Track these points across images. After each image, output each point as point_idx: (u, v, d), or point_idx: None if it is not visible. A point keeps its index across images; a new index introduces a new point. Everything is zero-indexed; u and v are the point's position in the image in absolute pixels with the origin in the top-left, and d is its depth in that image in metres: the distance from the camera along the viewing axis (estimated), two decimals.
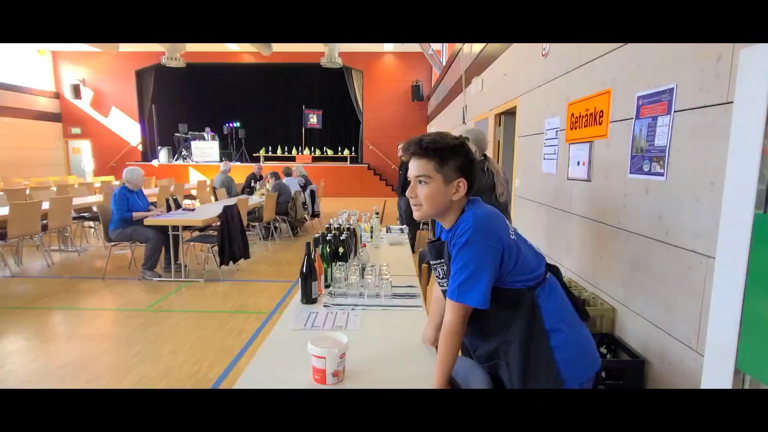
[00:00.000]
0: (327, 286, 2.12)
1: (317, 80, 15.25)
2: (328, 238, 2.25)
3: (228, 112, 15.36)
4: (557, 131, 3.14)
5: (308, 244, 1.93)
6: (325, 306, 1.89)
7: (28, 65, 13.40)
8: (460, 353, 1.33)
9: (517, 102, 4.22)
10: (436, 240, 1.36)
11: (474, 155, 1.28)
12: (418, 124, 14.70)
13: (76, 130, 14.59)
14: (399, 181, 6.19)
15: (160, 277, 4.80)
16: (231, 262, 4.91)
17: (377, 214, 3.37)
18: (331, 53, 10.62)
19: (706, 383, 0.59)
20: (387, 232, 3.64)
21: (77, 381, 2.67)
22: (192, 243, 5.26)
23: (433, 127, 13.17)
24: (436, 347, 1.48)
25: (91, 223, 6.93)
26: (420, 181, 1.23)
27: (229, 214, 4.82)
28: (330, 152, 15.22)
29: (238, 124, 15.08)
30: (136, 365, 2.87)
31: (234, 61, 14.27)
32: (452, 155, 1.21)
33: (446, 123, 10.02)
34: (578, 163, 2.74)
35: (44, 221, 5.32)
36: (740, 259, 0.52)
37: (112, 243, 4.83)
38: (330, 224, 2.59)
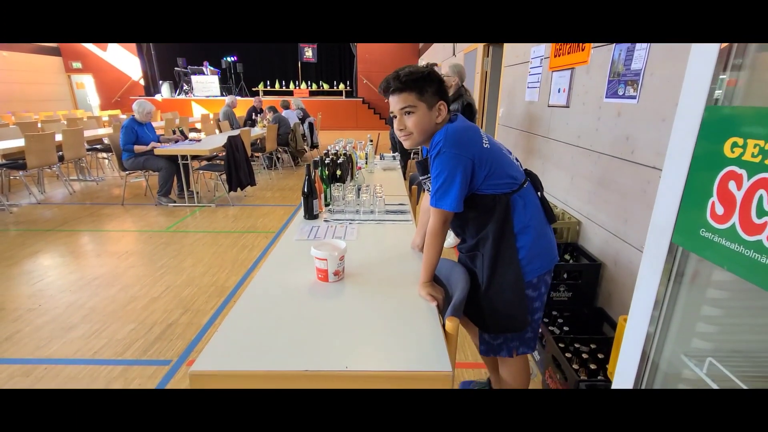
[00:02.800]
0: (327, 205, 2.16)
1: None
2: (326, 161, 2.25)
3: (226, 46, 14.34)
4: (542, 59, 3.01)
5: (308, 166, 1.94)
6: (325, 221, 1.95)
7: None
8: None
9: None
10: (422, 160, 1.38)
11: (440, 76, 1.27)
12: (409, 57, 13.91)
13: (76, 65, 13.65)
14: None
15: (174, 202, 4.82)
16: (238, 189, 4.92)
17: (371, 141, 3.32)
18: None
19: (645, 257, 0.65)
20: (381, 159, 3.63)
21: (111, 289, 2.80)
22: (201, 171, 5.22)
23: (423, 61, 12.48)
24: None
25: (105, 155, 6.78)
26: (406, 113, 1.23)
27: (233, 143, 4.72)
28: (326, 86, 14.53)
29: (236, 59, 14.17)
30: (162, 276, 3.00)
31: None
32: (429, 82, 1.22)
33: (436, 56, 9.49)
34: (559, 90, 2.67)
35: (59, 153, 5.20)
36: (688, 145, 0.54)
37: (127, 172, 4.77)
38: (328, 150, 2.57)
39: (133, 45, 13.52)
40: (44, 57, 12.88)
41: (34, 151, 4.68)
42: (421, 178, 1.42)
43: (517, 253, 1.26)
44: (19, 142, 4.91)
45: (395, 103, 1.24)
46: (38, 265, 3.23)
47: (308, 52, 14.23)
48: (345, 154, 2.56)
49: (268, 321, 1.11)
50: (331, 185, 2.18)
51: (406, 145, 1.31)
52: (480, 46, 5.06)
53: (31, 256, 3.39)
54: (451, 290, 1.28)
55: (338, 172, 2.32)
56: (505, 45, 4.01)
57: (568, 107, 2.56)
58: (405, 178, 2.98)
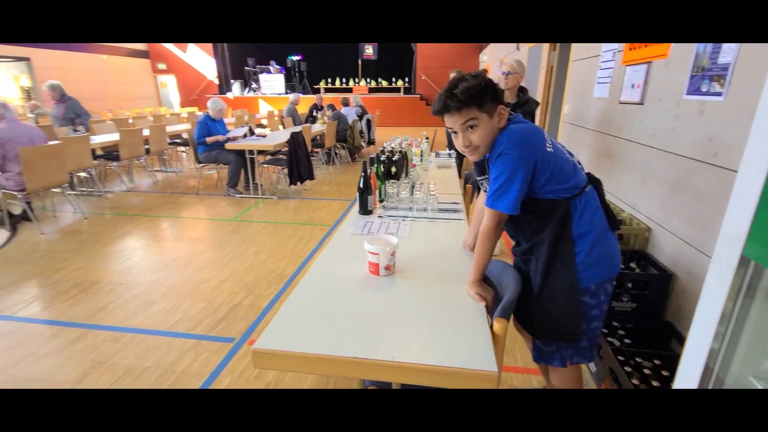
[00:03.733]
0: (381, 201, 2.22)
1: None
2: (381, 158, 2.31)
3: (291, 45, 15.05)
4: (615, 53, 2.82)
5: (364, 162, 2.00)
6: (379, 217, 2.01)
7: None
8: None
9: None
10: (481, 159, 1.37)
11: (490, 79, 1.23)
12: (469, 53, 13.60)
13: (161, 66, 15.09)
14: None
15: (241, 194, 5.20)
16: (299, 183, 5.18)
17: (427, 139, 3.33)
18: None
19: (712, 268, 0.61)
20: (436, 156, 3.62)
21: (186, 271, 3.11)
22: (266, 165, 5.56)
23: (485, 55, 12.14)
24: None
25: (183, 148, 7.46)
26: (469, 127, 1.20)
27: (295, 139, 4.97)
28: (384, 83, 14.68)
29: (300, 57, 14.81)
30: (229, 262, 3.27)
31: None
32: (485, 92, 1.18)
33: (499, 50, 9.19)
34: (633, 86, 2.48)
35: (146, 146, 5.83)
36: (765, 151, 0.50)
37: (201, 165, 5.23)
38: (384, 147, 2.63)
39: (210, 47, 14.64)
40: (135, 59, 14.40)
41: (126, 144, 5.29)
42: (478, 178, 1.42)
43: (574, 258, 1.22)
44: (114, 137, 5.57)
45: (455, 120, 1.20)
46: (127, 245, 3.67)
47: (368, 50, 14.45)
48: (400, 152, 2.60)
49: (322, 309, 1.19)
50: (386, 182, 2.23)
51: (473, 158, 1.29)
52: None
53: (122, 237, 3.85)
54: (502, 292, 1.27)
55: (393, 169, 2.36)
56: None
57: (642, 104, 2.37)
58: (460, 176, 2.96)
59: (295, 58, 14.81)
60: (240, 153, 5.01)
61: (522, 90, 2.94)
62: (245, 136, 5.37)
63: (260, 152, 5.18)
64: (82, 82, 12.21)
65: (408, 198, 2.12)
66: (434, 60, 13.84)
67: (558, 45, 4.50)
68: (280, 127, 7.73)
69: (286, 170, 5.02)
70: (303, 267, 3.15)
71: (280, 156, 5.49)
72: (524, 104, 2.88)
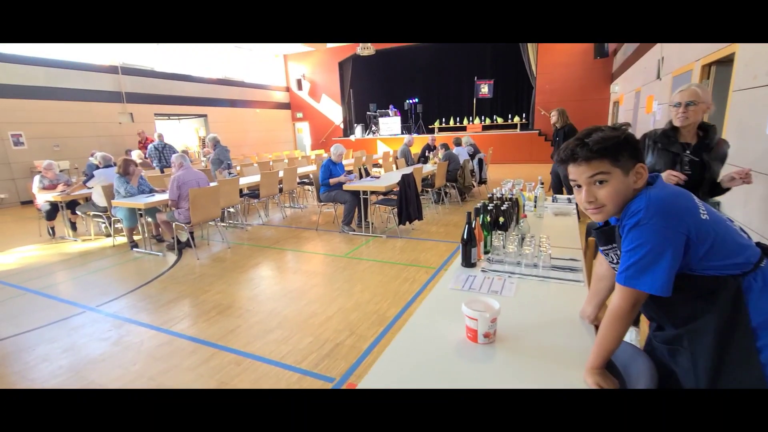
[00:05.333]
0: (486, 252, 2.10)
1: (489, 51, 14.45)
2: (489, 207, 2.21)
3: (409, 89, 16.05)
4: None
5: (469, 213, 1.94)
6: (482, 271, 1.89)
7: (268, 67, 16.54)
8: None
9: (736, 48, 3.16)
10: (604, 225, 1.18)
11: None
12: (599, 83, 12.51)
13: (299, 114, 17.52)
14: (555, 147, 5.69)
15: (354, 231, 5.53)
16: (407, 222, 5.29)
17: (542, 184, 3.09)
18: None
19: None
20: (553, 201, 3.32)
21: (300, 303, 3.38)
22: (377, 205, 5.85)
23: (617, 86, 11.00)
24: (595, 327, 1.33)
25: (309, 187, 8.37)
26: (596, 182, 1.05)
27: (406, 180, 5.14)
28: (500, 120, 14.41)
29: (417, 100, 15.61)
30: (336, 298, 3.45)
31: (414, 45, 14.57)
32: (624, 146, 1.02)
33: (634, 80, 8.24)
34: None
35: (280, 185, 6.71)
36: None
37: (322, 203, 5.77)
38: (492, 194, 2.52)
39: (338, 96, 16.48)
40: (279, 111, 17.04)
41: (266, 185, 6.17)
42: (602, 248, 1.22)
43: (757, 356, 0.93)
44: (257, 178, 6.56)
45: (581, 171, 1.06)
46: (257, 274, 4.18)
47: (484, 88, 14.47)
48: (510, 199, 2.46)
49: (417, 368, 1.14)
50: (493, 232, 2.12)
51: (597, 218, 1.11)
52: (696, 66, 4.15)
53: (254, 266, 4.42)
54: (629, 384, 1.05)
55: (501, 219, 2.23)
56: (736, 62, 3.17)
57: None
58: (579, 219, 2.64)
59: (412, 101, 15.67)
60: (355, 193, 5.39)
61: (705, 127, 2.17)
62: (361, 177, 5.76)
63: (373, 192, 5.49)
64: (240, 131, 14.89)
65: (516, 252, 1.96)
66: (555, 95, 13.11)
67: (712, 73, 3.82)
68: (394, 167, 8.13)
69: (396, 210, 5.20)
70: (405, 310, 3.14)
71: (392, 196, 5.72)
72: (712, 147, 2.14)
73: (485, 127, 14.46)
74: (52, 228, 5.93)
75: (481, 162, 7.82)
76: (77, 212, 5.80)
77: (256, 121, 15.77)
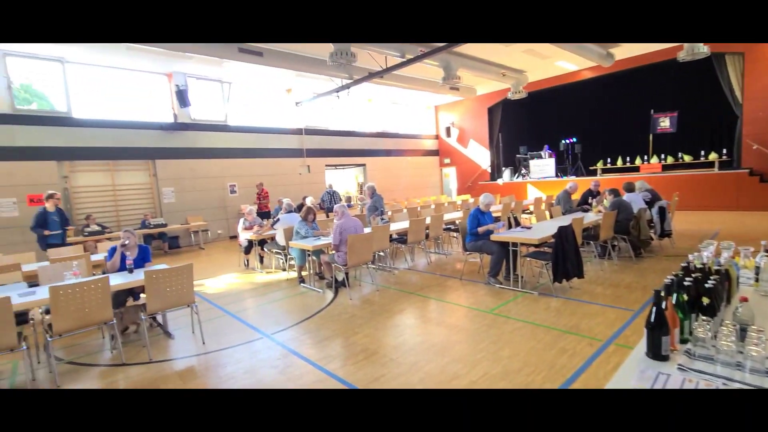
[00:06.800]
0: (683, 342, 1.64)
1: (670, 79, 12.28)
2: (685, 283, 1.75)
3: (565, 129, 14.90)
4: None
5: (657, 292, 1.56)
6: (680, 369, 1.47)
7: (420, 118, 17.77)
8: None
9: None
10: None
11: None
12: None
13: (446, 161, 18.08)
14: None
15: (501, 284, 5.18)
16: (564, 280, 4.69)
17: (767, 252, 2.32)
18: (691, 45, 8.29)
19: None
20: None
21: (442, 359, 3.26)
22: (528, 258, 5.39)
23: None
24: None
25: (454, 234, 8.35)
26: None
27: (563, 234, 4.62)
28: (687, 158, 11.92)
29: (575, 139, 14.32)
30: (481, 360, 3.20)
31: (571, 81, 13.62)
32: None
33: None
34: None
35: (427, 231, 6.88)
36: None
37: (467, 252, 5.64)
38: (689, 262, 2.00)
39: (486, 139, 16.44)
40: (428, 157, 17.95)
41: (414, 231, 6.42)
42: None
43: None
44: (405, 224, 6.89)
45: None
46: (402, 321, 4.27)
47: (664, 122, 12.32)
48: (718, 270, 1.91)
49: None
50: (693, 316, 1.65)
51: None
52: None
53: (399, 312, 4.53)
54: None
55: (705, 300, 1.73)
56: None
57: None
58: None
59: (569, 141, 14.44)
60: (503, 244, 5.10)
61: None
62: (510, 226, 5.45)
63: (524, 243, 5.09)
64: (393, 177, 16.18)
65: (734, 349, 1.46)
66: None
67: None
68: (547, 214, 7.46)
69: (550, 265, 4.68)
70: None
71: (545, 249, 5.20)
72: None
73: (666, 167, 12.16)
74: (247, 260, 7.36)
75: (662, 211, 6.50)
76: (265, 249, 7.08)
77: (407, 168, 16.93)
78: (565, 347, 3.32)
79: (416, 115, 17.60)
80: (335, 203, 9.38)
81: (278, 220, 6.74)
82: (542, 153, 14.56)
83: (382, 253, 6.87)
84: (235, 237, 10.83)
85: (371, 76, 9.63)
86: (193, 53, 8.40)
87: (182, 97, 10.24)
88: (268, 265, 7.28)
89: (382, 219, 6.88)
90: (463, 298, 4.87)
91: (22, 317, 3.53)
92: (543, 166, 14.30)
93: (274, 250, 6.83)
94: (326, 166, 14.24)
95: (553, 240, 4.68)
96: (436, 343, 3.61)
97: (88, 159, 9.40)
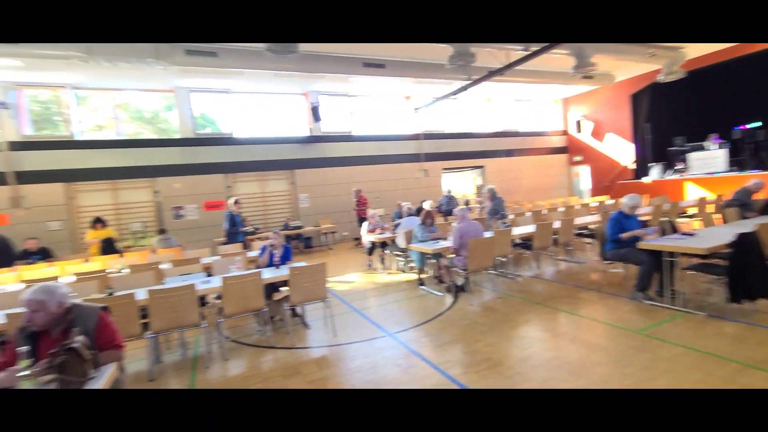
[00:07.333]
0: None
1: None
2: None
3: (740, 113, 11.92)
4: None
5: None
6: None
7: (545, 114, 16.41)
8: None
9: None
10: None
11: None
12: None
13: (577, 158, 16.28)
14: None
15: (652, 301, 4.41)
16: (746, 300, 3.75)
17: None
18: None
19: None
20: None
21: (578, 381, 2.92)
22: (690, 271, 4.47)
23: None
24: None
25: (589, 240, 7.45)
26: None
27: (746, 242, 3.70)
28: None
29: (758, 124, 11.35)
30: (629, 387, 2.77)
31: (749, 52, 10.87)
32: None
33: None
34: None
35: (555, 236, 6.29)
36: None
37: (607, 261, 4.96)
38: None
39: (629, 131, 14.27)
40: (555, 156, 16.44)
41: (540, 236, 5.95)
42: None
43: None
44: (530, 229, 6.42)
45: None
46: (528, 333, 3.98)
47: None
48: None
49: None
50: None
51: None
52: None
53: (525, 323, 4.24)
54: None
55: None
56: None
57: None
58: None
59: (753, 125, 11.49)
60: (655, 253, 4.32)
61: None
62: (664, 232, 4.61)
63: (685, 253, 4.24)
64: (514, 179, 15.31)
65: None
66: None
67: None
68: (718, 218, 6.08)
69: (725, 280, 3.80)
70: None
71: (716, 261, 4.24)
72: None
73: None
74: (371, 261, 7.81)
75: None
76: (386, 250, 7.42)
77: (530, 168, 15.80)
78: (747, 385, 2.64)
79: (541, 110, 16.32)
80: (453, 206, 9.31)
81: (399, 224, 6.98)
82: (707, 144, 11.96)
83: (503, 259, 6.54)
84: (357, 238, 11.62)
85: (491, 74, 9.28)
86: (325, 73, 9.32)
87: (316, 113, 11.48)
88: (389, 267, 7.60)
89: (504, 223, 6.54)
90: (602, 314, 4.30)
91: (201, 301, 4.37)
92: (708, 159, 11.73)
93: (395, 252, 7.10)
94: (443, 169, 14.23)
95: (728, 250, 3.80)
96: (570, 361, 3.26)
97: (245, 171, 11.24)
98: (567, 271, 6.36)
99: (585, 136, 15.87)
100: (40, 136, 9.44)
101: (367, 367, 3.52)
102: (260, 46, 6.66)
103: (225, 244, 7.62)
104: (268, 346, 4.22)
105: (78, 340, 2.01)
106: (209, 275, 4.86)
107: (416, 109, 13.24)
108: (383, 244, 7.44)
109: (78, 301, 2.36)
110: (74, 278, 5.10)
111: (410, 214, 7.17)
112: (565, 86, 13.67)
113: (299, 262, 4.62)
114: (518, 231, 6.48)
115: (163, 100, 11.01)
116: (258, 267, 4.90)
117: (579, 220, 7.22)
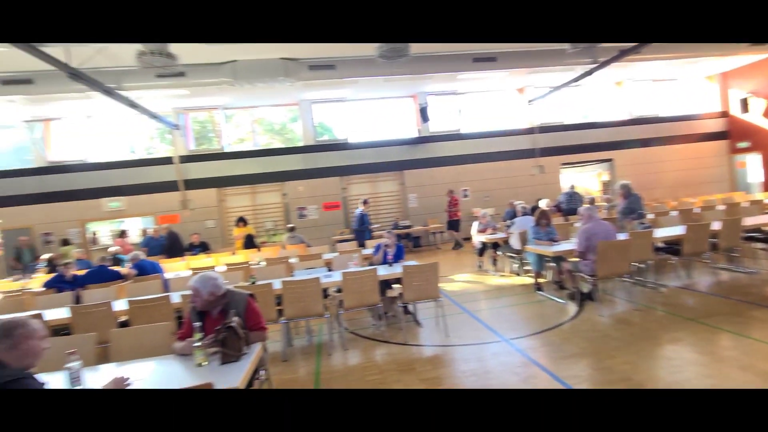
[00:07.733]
0: None
1: None
2: None
3: None
4: None
5: None
6: None
7: (694, 93, 13.73)
8: None
9: None
10: None
11: None
12: None
13: (742, 144, 13.24)
14: None
15: None
16: None
17: None
18: None
19: None
20: None
21: None
22: None
23: None
24: None
25: (762, 245, 5.99)
26: None
27: None
28: None
29: None
30: None
31: None
32: None
33: None
34: None
35: (713, 240, 5.20)
36: None
37: None
38: None
39: None
40: (709, 143, 13.61)
41: (692, 239, 5.00)
42: None
43: None
44: (678, 230, 5.43)
45: None
46: (678, 354, 3.37)
47: None
48: None
49: None
50: None
51: None
52: None
53: (672, 342, 3.60)
54: None
55: None
56: None
57: None
58: None
59: None
60: None
61: None
62: None
63: None
64: (651, 173, 13.16)
65: None
66: None
67: None
68: None
69: None
70: None
71: None
72: None
73: None
74: (481, 262, 7.56)
75: None
76: (498, 252, 7.09)
77: (674, 159, 13.39)
78: None
79: (688, 90, 13.72)
80: (575, 205, 8.40)
81: (513, 223, 6.60)
82: None
83: (642, 265, 5.66)
84: (467, 239, 11.35)
85: (624, 53, 8.12)
86: (435, 73, 9.34)
87: (424, 113, 11.58)
88: (501, 269, 7.25)
89: (642, 223, 5.66)
90: None
91: (324, 293, 4.77)
92: None
93: (508, 254, 6.73)
94: (561, 164, 12.98)
95: None
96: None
97: (358, 174, 11.94)
98: (731, 282, 5.22)
99: (754, 117, 12.81)
100: (199, 150, 11.54)
101: (481, 371, 3.40)
102: (373, 53, 6.99)
103: (354, 240, 8.46)
104: (383, 340, 4.39)
105: (235, 320, 2.37)
106: (330, 270, 5.28)
107: (530, 101, 12.37)
108: (495, 245, 7.13)
109: (231, 287, 2.78)
110: (225, 268, 6.07)
111: (524, 214, 6.71)
112: (721, 58, 11.25)
113: (411, 261, 4.71)
114: (661, 233, 5.55)
115: (289, 113, 12.40)
116: (372, 264, 5.14)
117: (749, 221, 5.85)
